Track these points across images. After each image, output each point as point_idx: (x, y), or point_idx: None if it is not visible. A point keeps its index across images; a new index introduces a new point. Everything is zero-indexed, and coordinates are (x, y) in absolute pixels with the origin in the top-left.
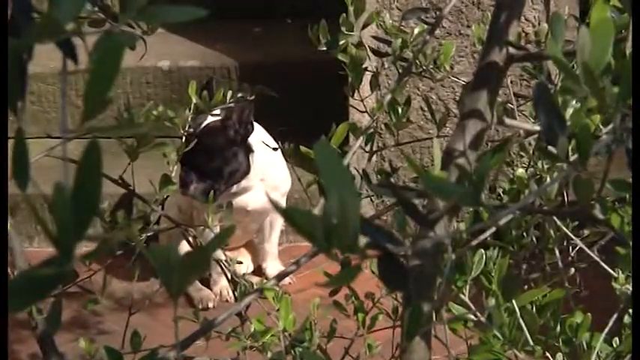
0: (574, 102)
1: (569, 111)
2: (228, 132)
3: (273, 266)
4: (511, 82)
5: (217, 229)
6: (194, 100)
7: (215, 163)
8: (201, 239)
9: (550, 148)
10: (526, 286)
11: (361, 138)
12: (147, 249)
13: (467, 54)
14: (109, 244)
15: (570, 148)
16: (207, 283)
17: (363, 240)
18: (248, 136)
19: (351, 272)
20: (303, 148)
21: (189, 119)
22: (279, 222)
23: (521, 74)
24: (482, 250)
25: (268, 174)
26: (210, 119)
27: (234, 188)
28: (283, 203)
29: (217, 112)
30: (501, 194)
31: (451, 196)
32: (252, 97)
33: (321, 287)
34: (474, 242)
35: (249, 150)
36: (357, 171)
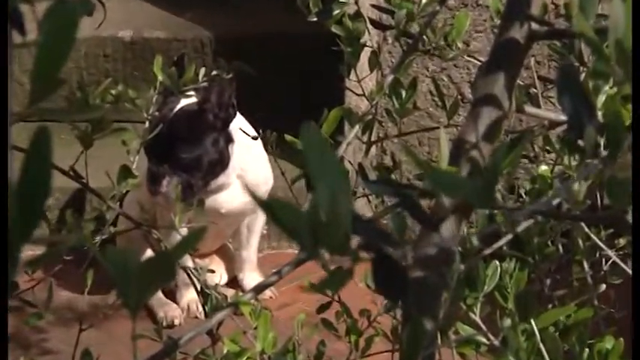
0: (607, 87)
1: (602, 98)
2: (207, 116)
3: (251, 277)
4: (538, 62)
5: (186, 232)
6: (160, 78)
7: (192, 152)
8: (167, 243)
9: (579, 141)
10: (550, 305)
11: (357, 126)
12: (101, 253)
13: (485, 29)
14: (57, 249)
15: (603, 141)
16: (172, 295)
17: (355, 241)
18: (230, 122)
19: (340, 277)
20: (288, 137)
21: (154, 100)
22: (258, 225)
23: (549, 54)
24: (497, 262)
25: (247, 169)
26: (184, 102)
27: (211, 184)
28: None
29: (191, 94)
30: (523, 195)
31: (458, 193)
32: (230, 76)
33: (307, 303)
34: (487, 251)
35: (229, 139)
36: (353, 165)
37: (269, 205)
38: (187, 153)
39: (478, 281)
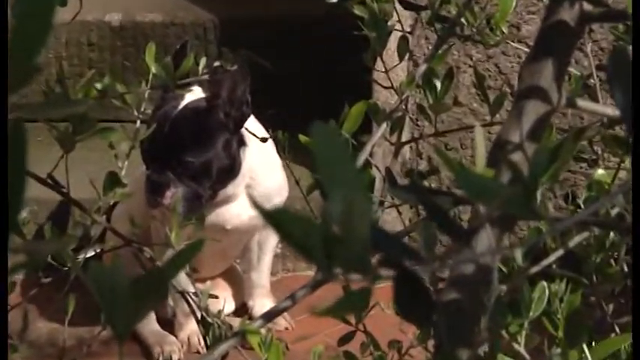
0: None
1: None
2: (217, 114)
3: (262, 304)
4: (601, 49)
5: None
6: (153, 70)
7: (201, 156)
8: (161, 262)
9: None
10: (613, 335)
11: (385, 124)
12: (85, 271)
13: (538, 10)
14: (34, 260)
15: None
16: (170, 327)
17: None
18: (244, 121)
19: (358, 298)
20: (303, 138)
21: (147, 96)
22: (271, 243)
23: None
24: (545, 283)
25: (258, 177)
26: (189, 98)
27: (217, 197)
28: None
29: (197, 88)
30: (582, 205)
31: (492, 200)
32: (236, 67)
33: (329, 334)
34: (534, 270)
35: (242, 142)
36: (380, 172)
37: (275, 217)
38: (195, 157)
39: (523, 305)
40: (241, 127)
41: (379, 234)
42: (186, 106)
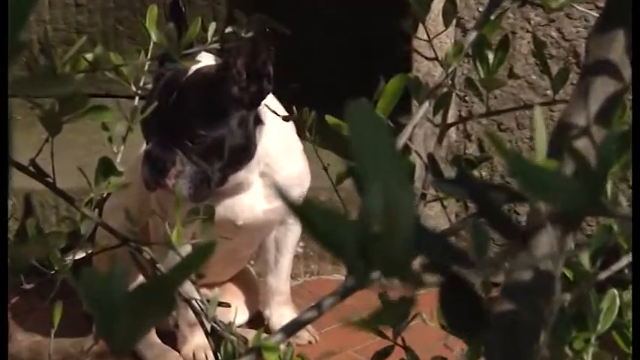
0: None
1: None
2: (231, 87)
3: (280, 313)
4: None
5: (188, 250)
6: (153, 38)
7: (214, 131)
8: (163, 266)
9: None
10: None
11: (427, 103)
12: (74, 278)
13: None
14: (18, 264)
15: None
16: (172, 340)
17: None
18: (263, 97)
19: (399, 309)
20: (330, 119)
21: (146, 68)
22: (291, 241)
23: None
24: (616, 291)
25: (275, 163)
26: (203, 61)
27: (227, 182)
28: None
29: (206, 56)
30: None
31: (552, 195)
32: (251, 34)
33: (361, 349)
34: (603, 276)
35: (258, 120)
36: (422, 158)
37: (304, 212)
38: (207, 130)
39: (590, 317)
40: (259, 104)
41: (423, 233)
42: (197, 72)
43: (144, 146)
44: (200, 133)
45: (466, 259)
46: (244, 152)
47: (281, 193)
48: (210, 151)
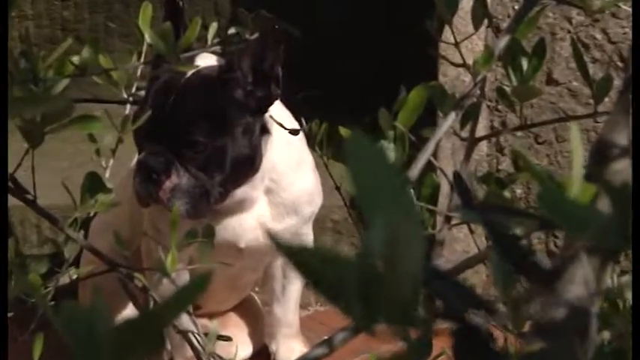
0: None
1: None
2: (234, 91)
3: (288, 348)
4: None
5: (185, 277)
6: (148, 38)
7: (214, 139)
8: (156, 294)
9: None
10: None
11: (452, 114)
12: (55, 311)
13: None
14: None
15: None
16: None
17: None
18: (270, 103)
19: (418, 349)
20: (344, 131)
21: (140, 73)
22: None
23: None
24: None
25: (281, 180)
26: (204, 62)
27: (229, 198)
28: (309, 233)
29: (207, 57)
30: None
31: (584, 228)
32: (257, 35)
33: None
34: None
35: (265, 130)
36: (447, 177)
37: (293, 253)
38: (208, 137)
39: (630, 355)
40: (266, 110)
41: (434, 274)
42: (197, 73)
43: (136, 158)
44: (199, 140)
45: (482, 302)
46: (248, 164)
47: (273, 239)
48: (210, 162)
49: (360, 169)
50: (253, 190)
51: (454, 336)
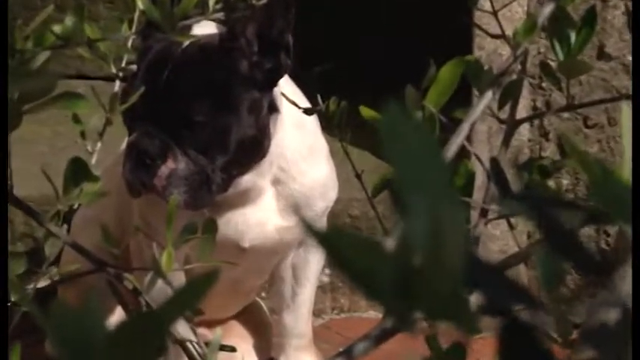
0: None
1: None
2: (238, 62)
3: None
4: None
5: (180, 279)
6: (140, 4)
7: (215, 117)
8: (149, 297)
9: None
10: None
11: (489, 93)
12: (41, 313)
13: None
14: None
15: None
16: None
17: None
18: (280, 76)
19: (453, 356)
20: (366, 112)
21: (129, 44)
22: (312, 269)
23: None
24: None
25: (291, 168)
26: (199, 32)
27: (232, 188)
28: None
29: (206, 25)
30: None
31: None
32: (265, 1)
33: None
34: None
35: (273, 107)
36: (483, 165)
37: (327, 239)
38: (208, 116)
39: None
40: (275, 83)
41: (479, 266)
42: (195, 43)
43: (126, 141)
44: (198, 119)
45: (531, 298)
46: (255, 146)
47: (298, 212)
48: (211, 144)
49: (397, 148)
50: (260, 178)
51: (500, 333)
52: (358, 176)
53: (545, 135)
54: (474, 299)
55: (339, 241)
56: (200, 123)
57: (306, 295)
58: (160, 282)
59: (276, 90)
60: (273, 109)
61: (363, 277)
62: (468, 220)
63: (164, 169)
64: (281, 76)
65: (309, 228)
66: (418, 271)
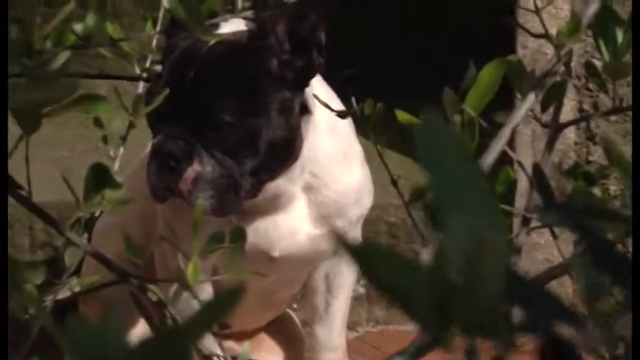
0: None
1: None
2: (268, 60)
3: None
4: None
5: (207, 291)
6: (165, 3)
7: (244, 118)
8: (175, 310)
9: None
10: None
11: (532, 96)
12: (57, 327)
13: None
14: None
15: None
16: None
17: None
18: (312, 75)
19: None
20: (402, 115)
21: (154, 43)
22: (346, 279)
23: None
24: None
25: (323, 174)
26: (226, 29)
27: (261, 193)
28: (357, 239)
29: (234, 22)
30: None
31: None
32: (297, 2)
33: None
34: None
35: (305, 109)
36: (525, 171)
37: (360, 253)
38: (236, 117)
39: None
40: (307, 83)
41: (518, 282)
42: (223, 40)
43: (150, 144)
44: (226, 120)
45: (571, 313)
46: (286, 149)
47: (330, 222)
48: (239, 146)
49: (434, 161)
50: (291, 183)
51: (540, 352)
52: (394, 182)
53: (592, 138)
54: (514, 315)
55: (373, 256)
56: (228, 124)
57: (340, 306)
58: (185, 294)
59: (308, 90)
60: (305, 110)
61: (398, 292)
62: (509, 229)
63: (190, 172)
64: (313, 75)
65: (341, 241)
66: (455, 287)
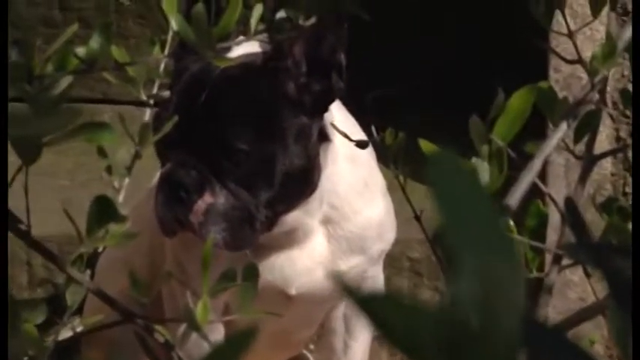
0: None
1: None
2: (284, 84)
3: None
4: None
5: (218, 331)
6: (174, 25)
7: (259, 146)
8: (182, 351)
9: None
10: None
11: (564, 125)
12: None
13: None
14: None
15: None
16: None
17: None
18: (331, 100)
19: None
20: (426, 145)
21: (162, 67)
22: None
23: None
24: None
25: (343, 206)
26: (239, 51)
27: (277, 227)
28: (378, 275)
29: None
30: None
31: None
32: (313, 22)
33: None
34: None
35: (324, 136)
36: (557, 205)
37: (367, 304)
38: (250, 144)
39: None
40: (326, 108)
41: (537, 331)
42: (236, 66)
43: (158, 174)
44: (240, 147)
45: None
46: (303, 180)
47: (342, 284)
48: (253, 175)
49: (447, 197)
50: (308, 216)
51: None
52: (417, 218)
53: (629, 169)
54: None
55: (381, 306)
56: (241, 152)
57: (360, 348)
58: (194, 335)
59: (327, 116)
60: (324, 137)
61: (407, 343)
62: (541, 267)
63: (201, 204)
64: (332, 100)
65: (345, 289)
66: (469, 336)
